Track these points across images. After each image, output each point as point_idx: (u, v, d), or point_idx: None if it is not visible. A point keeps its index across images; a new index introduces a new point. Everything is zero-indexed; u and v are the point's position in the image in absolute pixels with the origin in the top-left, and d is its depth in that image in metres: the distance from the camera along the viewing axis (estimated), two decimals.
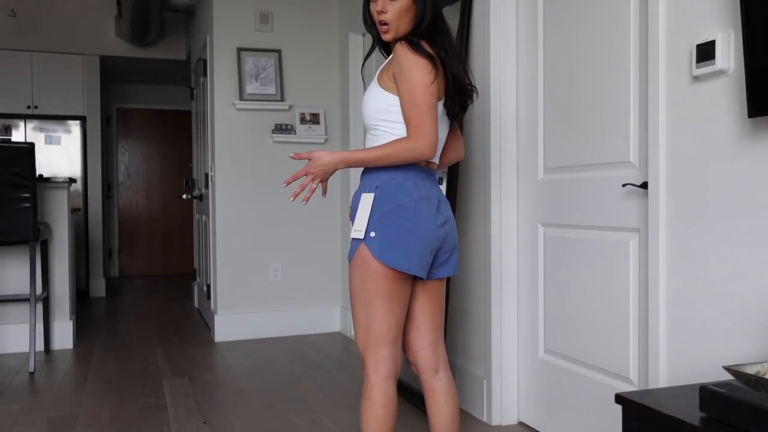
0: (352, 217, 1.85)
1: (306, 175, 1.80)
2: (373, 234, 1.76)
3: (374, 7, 1.86)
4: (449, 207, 1.93)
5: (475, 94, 1.95)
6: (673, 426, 1.31)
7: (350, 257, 1.83)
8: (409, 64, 1.74)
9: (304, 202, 1.87)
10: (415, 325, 1.94)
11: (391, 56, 1.87)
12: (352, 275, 1.82)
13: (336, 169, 1.80)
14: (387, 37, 1.86)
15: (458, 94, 1.86)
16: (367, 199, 1.79)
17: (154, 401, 3.14)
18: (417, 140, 1.72)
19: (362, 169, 1.88)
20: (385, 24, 1.84)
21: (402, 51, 1.77)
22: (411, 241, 1.76)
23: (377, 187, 1.79)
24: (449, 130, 1.97)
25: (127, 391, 3.32)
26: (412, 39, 1.79)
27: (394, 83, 1.81)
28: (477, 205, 2.85)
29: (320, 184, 1.83)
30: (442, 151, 2.00)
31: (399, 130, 1.82)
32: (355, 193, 1.87)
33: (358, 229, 1.78)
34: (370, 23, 1.92)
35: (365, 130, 1.93)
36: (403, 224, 1.76)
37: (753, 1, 1.53)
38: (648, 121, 1.97)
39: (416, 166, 1.82)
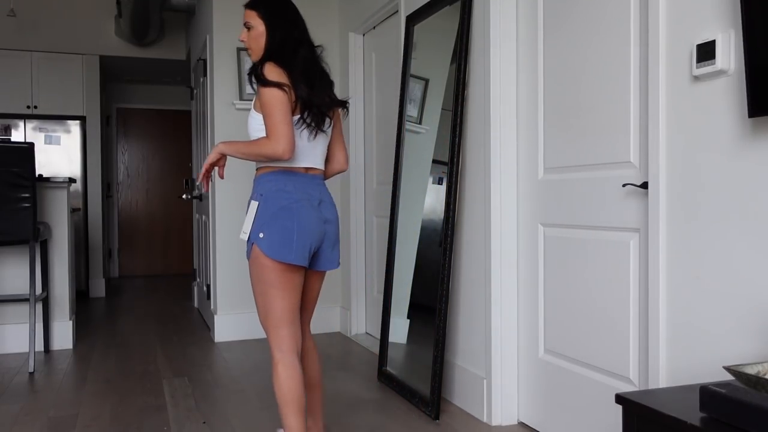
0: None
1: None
2: (261, 235, 2.07)
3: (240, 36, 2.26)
4: (333, 208, 2.22)
5: (343, 110, 2.29)
6: (673, 426, 1.31)
7: (248, 256, 2.13)
8: (261, 92, 2.06)
9: (204, 185, 2.44)
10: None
11: None
12: (251, 271, 2.14)
13: (222, 153, 2.19)
14: (252, 58, 2.23)
15: (309, 112, 2.11)
16: (253, 206, 2.11)
17: (154, 401, 3.14)
18: (272, 141, 2.02)
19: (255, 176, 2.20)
20: (248, 49, 2.25)
21: (256, 82, 2.10)
22: (294, 238, 2.07)
23: (261, 195, 2.10)
24: (330, 142, 2.26)
25: (127, 391, 3.32)
26: (262, 65, 2.08)
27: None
28: (477, 205, 2.85)
29: (216, 168, 2.26)
30: (325, 162, 2.29)
31: None
32: (249, 200, 2.16)
33: (245, 231, 2.11)
34: None
35: None
36: (287, 224, 2.07)
37: (753, 1, 1.53)
38: (648, 121, 1.97)
39: (298, 172, 2.13)
